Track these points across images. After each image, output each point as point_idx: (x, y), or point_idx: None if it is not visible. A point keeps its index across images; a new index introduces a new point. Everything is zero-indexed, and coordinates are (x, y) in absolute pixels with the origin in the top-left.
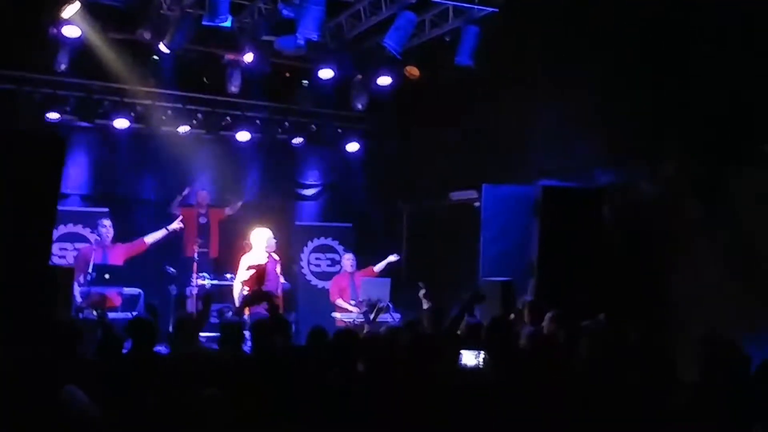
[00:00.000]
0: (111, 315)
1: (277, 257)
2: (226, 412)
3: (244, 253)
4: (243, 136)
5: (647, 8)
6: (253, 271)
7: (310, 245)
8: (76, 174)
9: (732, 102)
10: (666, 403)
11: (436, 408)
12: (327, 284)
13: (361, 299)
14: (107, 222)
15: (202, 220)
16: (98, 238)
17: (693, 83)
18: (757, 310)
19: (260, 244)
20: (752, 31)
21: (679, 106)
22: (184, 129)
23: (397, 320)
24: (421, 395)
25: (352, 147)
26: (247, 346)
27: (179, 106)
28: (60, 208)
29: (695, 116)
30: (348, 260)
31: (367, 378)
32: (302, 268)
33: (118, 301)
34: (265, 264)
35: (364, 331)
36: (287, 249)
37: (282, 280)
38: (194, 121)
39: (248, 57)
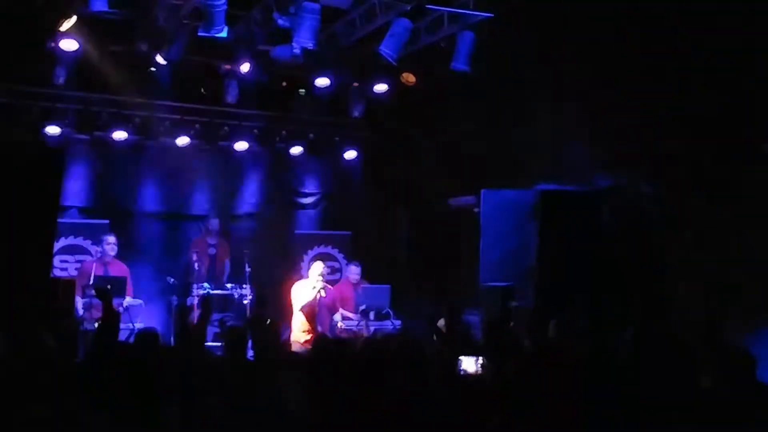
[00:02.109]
0: None
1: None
2: None
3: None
4: (241, 145)
5: (644, 11)
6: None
7: (310, 253)
8: (75, 186)
9: (730, 103)
10: (673, 409)
11: (434, 415)
12: None
13: (361, 307)
14: (111, 239)
15: (212, 251)
16: (99, 251)
17: (691, 84)
18: (760, 311)
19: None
20: (750, 30)
21: (677, 109)
22: (182, 140)
23: (398, 327)
24: (419, 402)
25: (350, 155)
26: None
27: (177, 117)
28: (60, 220)
29: (694, 118)
30: (354, 273)
31: (367, 385)
32: (303, 277)
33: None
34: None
35: (364, 339)
36: (287, 258)
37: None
38: (192, 132)
39: (245, 67)
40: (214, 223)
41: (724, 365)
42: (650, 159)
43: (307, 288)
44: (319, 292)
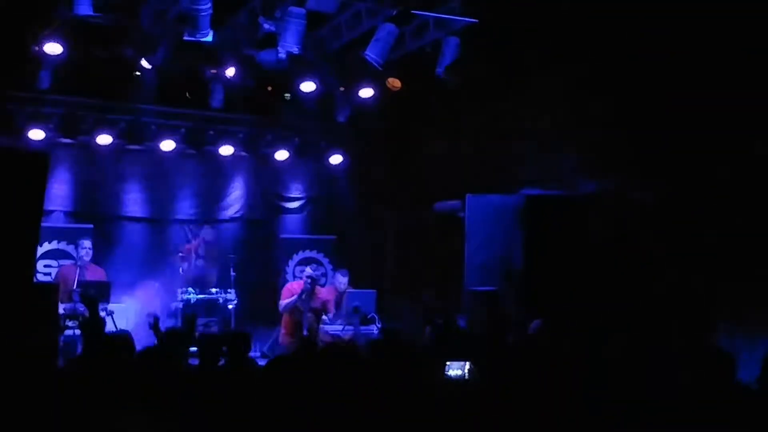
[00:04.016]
0: None
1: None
2: None
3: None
4: (226, 150)
5: (630, 16)
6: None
7: (295, 258)
8: (59, 190)
9: (720, 104)
10: (655, 409)
11: (420, 420)
12: None
13: (345, 311)
14: (87, 243)
15: (200, 261)
16: (77, 257)
17: (679, 87)
18: (747, 316)
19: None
20: (739, 30)
21: (664, 112)
22: (167, 144)
23: (381, 329)
24: (404, 407)
25: (336, 159)
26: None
27: (162, 121)
28: (43, 225)
29: (682, 121)
30: (341, 282)
31: (350, 390)
32: (287, 281)
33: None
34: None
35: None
36: (272, 262)
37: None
38: (177, 136)
39: (230, 71)
40: (209, 232)
41: (705, 365)
42: (637, 163)
43: (294, 290)
44: (302, 293)
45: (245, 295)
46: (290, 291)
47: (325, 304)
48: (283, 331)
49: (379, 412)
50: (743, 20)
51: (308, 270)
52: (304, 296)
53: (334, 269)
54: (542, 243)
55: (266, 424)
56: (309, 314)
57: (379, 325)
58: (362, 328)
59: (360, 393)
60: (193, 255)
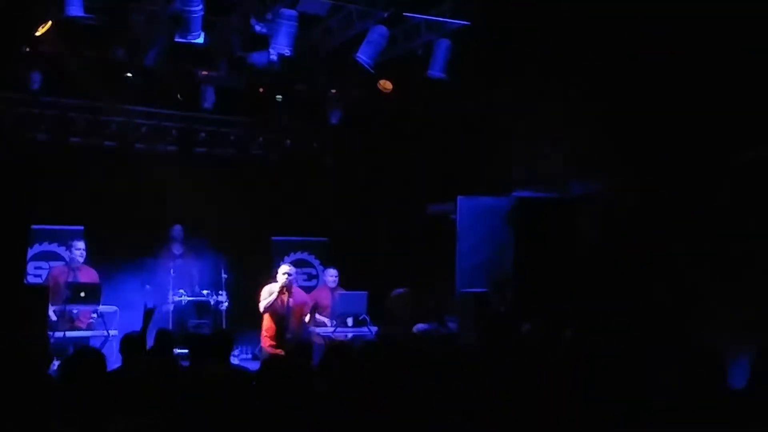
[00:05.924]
0: (85, 333)
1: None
2: None
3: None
4: (218, 152)
5: (619, 20)
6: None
7: (287, 260)
8: (50, 192)
9: (708, 109)
10: (649, 416)
11: (412, 421)
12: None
13: (338, 313)
14: (80, 245)
15: (177, 259)
16: (68, 257)
17: (669, 91)
18: (736, 317)
19: (280, 276)
20: (723, 37)
21: (654, 115)
22: (158, 146)
23: (374, 333)
24: (397, 408)
25: (327, 161)
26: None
27: (153, 123)
28: (34, 226)
29: (671, 125)
30: (331, 276)
31: (344, 393)
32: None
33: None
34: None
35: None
36: (265, 264)
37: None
38: (169, 138)
39: (222, 73)
40: (177, 230)
41: (694, 367)
42: (627, 166)
43: (273, 289)
44: (282, 291)
45: (236, 297)
46: (269, 290)
47: (302, 306)
48: (264, 334)
49: (373, 412)
50: (738, 22)
51: (286, 267)
52: (284, 295)
53: (325, 268)
54: (533, 245)
55: (257, 425)
56: (292, 318)
57: (371, 327)
58: (354, 329)
59: (354, 394)
60: (169, 256)
